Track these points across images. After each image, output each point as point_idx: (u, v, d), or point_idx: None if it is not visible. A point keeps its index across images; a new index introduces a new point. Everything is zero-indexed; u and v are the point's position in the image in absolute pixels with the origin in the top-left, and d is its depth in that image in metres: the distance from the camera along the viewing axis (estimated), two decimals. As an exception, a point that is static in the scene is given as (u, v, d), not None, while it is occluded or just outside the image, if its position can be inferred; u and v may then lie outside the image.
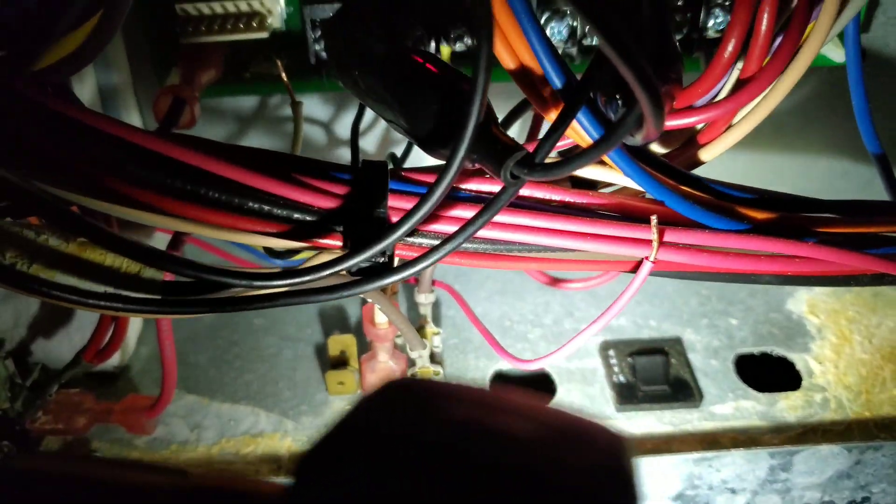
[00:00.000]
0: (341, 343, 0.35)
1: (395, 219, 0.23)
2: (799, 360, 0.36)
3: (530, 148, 0.22)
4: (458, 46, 0.31)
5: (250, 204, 0.21)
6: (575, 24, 0.30)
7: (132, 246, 0.21)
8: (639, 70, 0.15)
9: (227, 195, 0.21)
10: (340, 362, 0.35)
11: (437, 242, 0.23)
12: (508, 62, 0.22)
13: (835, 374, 0.35)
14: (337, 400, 0.34)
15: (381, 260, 0.23)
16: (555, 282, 0.38)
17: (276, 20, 0.29)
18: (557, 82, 0.21)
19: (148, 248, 0.21)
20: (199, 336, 0.37)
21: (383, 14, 0.25)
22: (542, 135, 0.22)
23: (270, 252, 0.27)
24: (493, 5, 0.20)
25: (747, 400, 0.34)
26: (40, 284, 0.21)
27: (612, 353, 0.36)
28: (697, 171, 0.26)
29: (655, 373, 0.34)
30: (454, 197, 0.24)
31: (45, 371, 0.32)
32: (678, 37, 0.31)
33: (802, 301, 0.38)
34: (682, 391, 0.34)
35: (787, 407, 0.33)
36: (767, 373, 0.36)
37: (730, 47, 0.23)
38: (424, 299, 0.34)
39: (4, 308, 0.32)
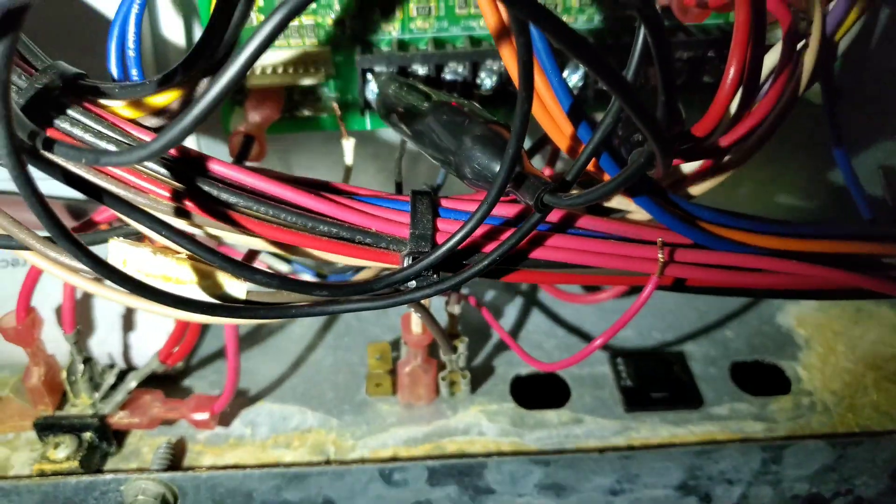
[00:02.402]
0: (378, 349, 0.39)
1: (440, 240, 0.27)
2: (788, 367, 0.40)
3: (547, 171, 0.26)
4: (488, 83, 0.35)
5: (332, 230, 0.26)
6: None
7: (230, 260, 0.25)
8: (651, 125, 0.19)
9: (312, 222, 0.25)
10: (377, 367, 0.39)
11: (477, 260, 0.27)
12: (538, 111, 0.27)
13: (821, 380, 0.39)
14: (375, 400, 0.38)
15: (431, 275, 0.27)
16: (567, 296, 0.42)
17: (330, 67, 0.34)
18: (581, 131, 0.26)
19: (242, 262, 0.25)
20: (251, 343, 0.41)
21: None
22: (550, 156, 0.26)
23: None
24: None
25: (742, 403, 0.38)
26: (152, 292, 0.25)
27: (619, 360, 0.40)
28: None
29: (659, 379, 0.38)
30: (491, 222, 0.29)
31: (121, 371, 0.36)
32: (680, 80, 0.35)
33: (791, 315, 0.43)
34: (684, 395, 0.38)
35: (777, 409, 0.37)
36: (760, 379, 0.40)
37: (724, 94, 0.27)
38: (454, 310, 0.38)
39: (88, 315, 0.36)
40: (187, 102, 0.26)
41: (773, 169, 0.46)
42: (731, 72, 0.25)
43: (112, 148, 0.23)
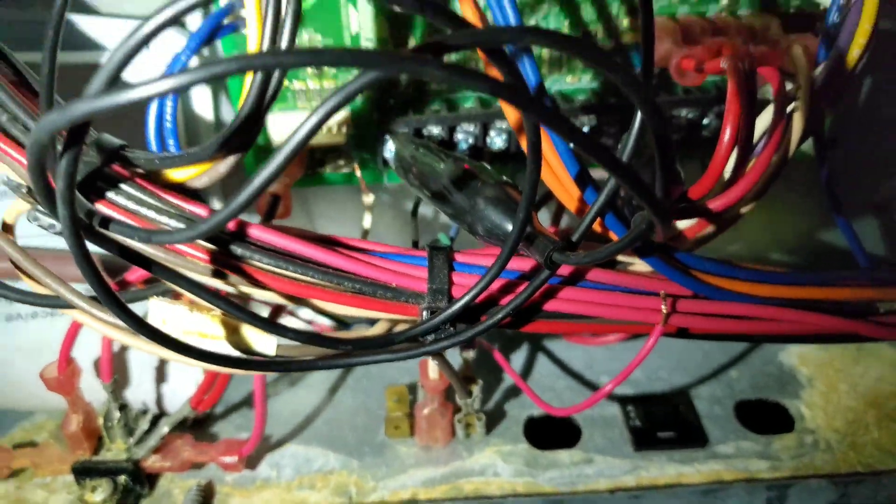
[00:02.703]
0: (396, 393, 0.41)
1: (457, 293, 0.29)
2: (792, 405, 0.41)
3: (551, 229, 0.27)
4: (498, 143, 0.37)
5: (356, 286, 0.28)
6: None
7: (261, 318, 0.27)
8: (649, 199, 0.21)
9: (337, 279, 0.27)
10: (396, 410, 0.40)
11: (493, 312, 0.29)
12: (546, 175, 0.29)
13: (823, 418, 0.40)
14: (394, 442, 0.40)
15: (448, 328, 0.29)
16: (576, 338, 0.44)
17: (351, 128, 0.36)
18: (588, 194, 0.28)
19: (272, 321, 0.27)
20: (275, 386, 0.43)
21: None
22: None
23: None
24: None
25: (746, 441, 0.39)
26: (186, 348, 0.27)
27: (628, 402, 0.41)
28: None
29: (667, 419, 0.40)
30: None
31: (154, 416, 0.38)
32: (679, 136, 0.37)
33: (794, 354, 0.44)
34: (690, 434, 0.39)
35: (781, 447, 0.39)
36: (764, 417, 0.41)
37: (722, 155, 0.29)
38: (469, 354, 0.39)
39: (124, 365, 0.38)
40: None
41: (773, 213, 0.48)
42: (726, 138, 0.27)
43: (166, 223, 0.25)
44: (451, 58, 0.35)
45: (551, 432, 0.41)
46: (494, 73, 0.23)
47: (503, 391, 0.43)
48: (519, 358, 0.45)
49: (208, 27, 0.32)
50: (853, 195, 0.47)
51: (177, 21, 0.18)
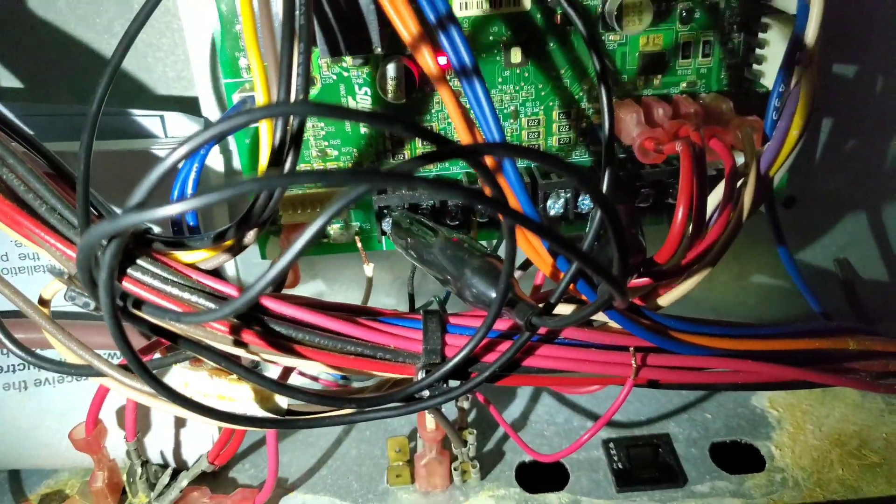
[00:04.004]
0: (397, 443, 0.44)
1: (449, 353, 0.33)
2: (762, 446, 0.44)
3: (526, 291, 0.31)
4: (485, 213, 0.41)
5: (358, 349, 0.31)
6: (568, 197, 0.40)
7: (274, 382, 0.30)
8: (608, 277, 0.25)
9: (341, 343, 0.31)
10: (397, 459, 0.43)
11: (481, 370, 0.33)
12: (524, 246, 0.33)
13: (791, 457, 0.43)
14: (396, 489, 0.43)
15: (442, 385, 0.32)
16: (566, 388, 0.47)
17: (352, 214, 0.40)
18: (560, 262, 0.31)
19: (284, 383, 0.31)
20: (285, 437, 0.46)
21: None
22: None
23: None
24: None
25: (721, 481, 0.42)
26: (207, 410, 0.30)
27: (612, 445, 0.44)
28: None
29: (647, 460, 0.43)
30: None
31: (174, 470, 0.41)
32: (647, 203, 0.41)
33: (764, 397, 0.48)
34: (669, 475, 0.42)
35: (753, 486, 0.42)
36: (738, 457, 0.44)
37: (677, 227, 0.33)
38: (464, 405, 0.43)
39: (145, 423, 0.41)
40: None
41: (741, 266, 0.52)
42: (679, 215, 0.31)
43: (193, 300, 0.29)
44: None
45: (543, 475, 0.44)
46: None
47: (497, 438, 0.46)
48: (512, 406, 0.49)
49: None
50: (814, 248, 0.52)
51: (200, 148, 0.22)
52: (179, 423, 0.42)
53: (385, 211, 0.39)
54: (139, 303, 0.28)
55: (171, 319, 0.26)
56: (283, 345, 0.31)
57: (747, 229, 0.41)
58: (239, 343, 0.31)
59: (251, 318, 0.31)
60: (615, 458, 0.44)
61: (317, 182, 0.19)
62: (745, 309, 0.54)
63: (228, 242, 0.31)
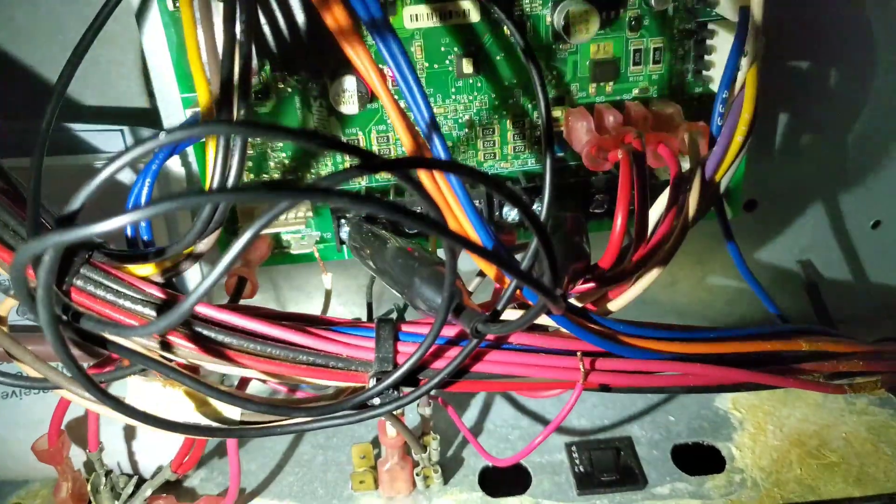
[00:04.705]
0: (361, 450, 0.44)
1: (401, 361, 0.33)
2: (724, 447, 0.45)
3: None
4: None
5: (310, 359, 0.32)
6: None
7: (225, 392, 0.31)
8: (542, 289, 0.25)
9: (293, 353, 0.32)
10: (361, 465, 0.44)
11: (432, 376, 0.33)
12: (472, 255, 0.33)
13: (752, 458, 0.44)
14: (360, 495, 0.43)
15: (393, 392, 0.33)
16: (527, 392, 0.48)
17: (311, 212, 0.41)
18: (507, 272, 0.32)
19: (234, 393, 0.31)
20: (249, 447, 0.47)
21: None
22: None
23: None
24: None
25: (681, 482, 0.43)
26: (164, 423, 0.31)
27: (574, 448, 0.45)
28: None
29: (608, 463, 0.44)
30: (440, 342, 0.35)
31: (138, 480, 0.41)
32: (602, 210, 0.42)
33: (727, 398, 0.48)
34: (630, 477, 0.43)
35: (712, 486, 0.42)
36: (699, 458, 0.45)
37: (616, 234, 0.33)
38: (425, 411, 0.43)
39: (111, 434, 0.42)
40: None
41: (705, 270, 0.52)
42: (619, 220, 0.32)
43: (141, 311, 0.29)
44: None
45: (506, 479, 0.44)
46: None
47: (461, 443, 0.46)
48: (477, 411, 0.49)
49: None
50: (777, 250, 0.52)
51: (136, 161, 0.23)
52: (142, 432, 0.42)
53: (342, 221, 0.39)
54: (79, 315, 0.28)
55: (111, 333, 0.27)
56: (231, 356, 0.31)
57: (710, 233, 0.42)
58: (187, 355, 0.31)
59: (201, 331, 0.31)
60: (577, 462, 0.44)
61: (232, 201, 0.20)
62: (711, 312, 0.54)
63: (183, 253, 0.32)
